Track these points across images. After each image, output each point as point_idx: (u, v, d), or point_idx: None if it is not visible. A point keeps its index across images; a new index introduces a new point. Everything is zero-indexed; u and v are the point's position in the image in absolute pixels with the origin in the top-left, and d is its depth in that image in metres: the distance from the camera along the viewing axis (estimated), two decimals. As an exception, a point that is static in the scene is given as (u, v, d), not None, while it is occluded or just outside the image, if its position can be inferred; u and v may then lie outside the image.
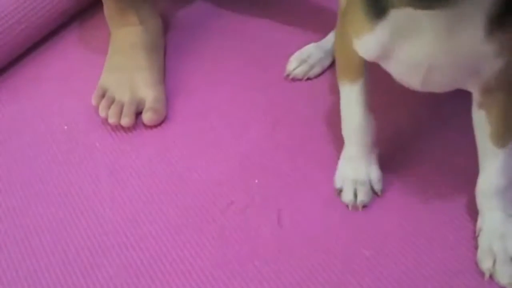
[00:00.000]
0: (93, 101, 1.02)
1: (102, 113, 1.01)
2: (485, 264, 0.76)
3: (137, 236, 0.85)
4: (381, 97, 0.94)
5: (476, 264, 0.77)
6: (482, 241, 0.78)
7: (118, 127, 1.01)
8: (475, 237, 0.80)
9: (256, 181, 0.90)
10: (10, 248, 0.86)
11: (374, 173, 0.86)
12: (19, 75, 1.14)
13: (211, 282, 0.78)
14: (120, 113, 1.00)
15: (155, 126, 1.00)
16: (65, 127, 1.03)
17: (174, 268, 0.81)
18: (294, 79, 1.05)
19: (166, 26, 1.18)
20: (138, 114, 1.01)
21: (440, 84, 0.75)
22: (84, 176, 0.94)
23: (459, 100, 0.80)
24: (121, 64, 1.06)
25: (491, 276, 0.76)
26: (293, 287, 0.77)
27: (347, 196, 0.85)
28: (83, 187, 0.93)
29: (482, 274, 0.76)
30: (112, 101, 1.01)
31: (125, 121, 0.99)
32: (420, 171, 0.88)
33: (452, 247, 0.79)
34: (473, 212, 0.82)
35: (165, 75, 1.08)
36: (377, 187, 0.86)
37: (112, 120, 0.99)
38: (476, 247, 0.78)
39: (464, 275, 0.77)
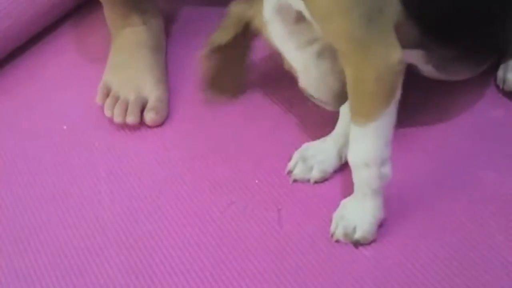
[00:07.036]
0: (98, 100, 1.02)
1: (107, 113, 1.00)
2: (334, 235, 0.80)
3: (137, 236, 0.85)
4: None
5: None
6: (336, 212, 0.81)
7: (118, 126, 1.00)
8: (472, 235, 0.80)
9: (256, 181, 0.90)
10: (9, 248, 0.85)
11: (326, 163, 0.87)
12: (16, 75, 1.14)
13: (211, 282, 0.78)
14: (125, 112, 0.99)
15: (156, 125, 1.00)
16: (64, 127, 1.03)
17: (174, 268, 0.80)
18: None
19: (167, 25, 1.17)
20: (141, 112, 1.01)
21: None
22: (83, 176, 0.94)
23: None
24: (125, 63, 1.05)
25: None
26: (293, 287, 0.77)
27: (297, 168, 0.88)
28: (82, 187, 0.93)
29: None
30: (116, 100, 1.01)
31: (131, 119, 0.99)
32: (419, 168, 0.89)
33: (451, 246, 0.79)
34: (472, 213, 0.82)
35: (166, 74, 1.08)
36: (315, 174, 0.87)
37: (118, 119, 0.99)
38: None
39: (466, 273, 0.77)
